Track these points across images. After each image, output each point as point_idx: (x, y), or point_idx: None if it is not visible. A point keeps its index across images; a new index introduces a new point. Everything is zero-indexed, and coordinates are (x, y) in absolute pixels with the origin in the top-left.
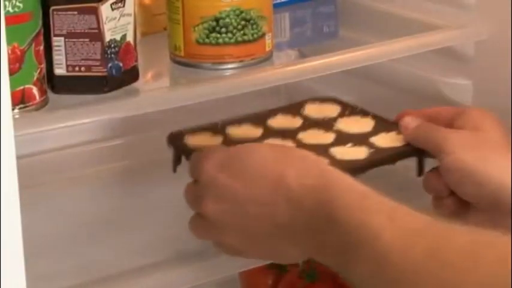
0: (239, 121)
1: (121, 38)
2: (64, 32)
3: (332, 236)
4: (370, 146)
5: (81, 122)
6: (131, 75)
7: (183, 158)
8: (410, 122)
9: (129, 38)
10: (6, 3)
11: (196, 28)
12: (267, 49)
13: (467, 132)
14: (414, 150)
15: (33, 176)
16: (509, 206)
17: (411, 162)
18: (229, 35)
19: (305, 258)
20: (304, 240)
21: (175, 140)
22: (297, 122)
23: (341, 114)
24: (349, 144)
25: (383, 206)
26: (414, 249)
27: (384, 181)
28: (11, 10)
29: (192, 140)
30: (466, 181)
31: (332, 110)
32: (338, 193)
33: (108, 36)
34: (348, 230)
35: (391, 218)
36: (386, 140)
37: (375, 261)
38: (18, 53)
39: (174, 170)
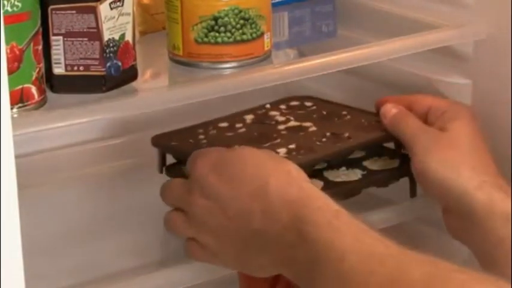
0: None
1: (120, 37)
2: (63, 31)
3: (301, 252)
4: (363, 169)
5: (79, 121)
6: (130, 74)
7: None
8: (389, 109)
9: (128, 37)
10: (5, 2)
11: (195, 27)
12: (266, 48)
13: (435, 132)
14: (406, 172)
15: (32, 176)
16: (473, 215)
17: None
18: (228, 34)
19: (273, 272)
20: (274, 252)
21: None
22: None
23: None
24: (343, 168)
25: (352, 227)
26: (374, 277)
27: None
28: (9, 9)
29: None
30: (429, 185)
31: None
32: (310, 211)
33: (106, 36)
34: (316, 248)
35: (358, 239)
36: (379, 164)
37: (339, 283)
38: (17, 52)
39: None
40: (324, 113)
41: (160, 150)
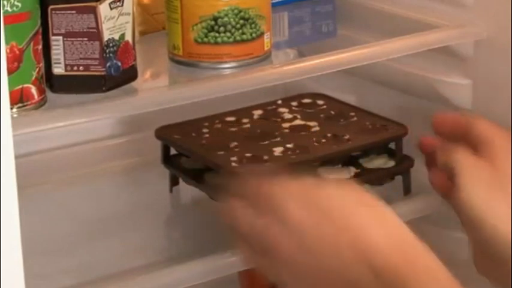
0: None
1: (119, 37)
2: (62, 31)
3: None
4: (358, 167)
5: (79, 121)
6: (130, 74)
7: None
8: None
9: (128, 37)
10: (5, 2)
11: (194, 27)
12: (266, 48)
13: (483, 163)
14: (401, 171)
15: (32, 176)
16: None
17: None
18: (228, 34)
19: None
20: None
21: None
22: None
23: None
24: (338, 165)
25: None
26: None
27: None
28: (9, 9)
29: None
30: (468, 220)
31: None
32: (421, 285)
33: (106, 36)
34: None
35: None
36: (375, 162)
37: None
38: (17, 52)
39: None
40: (332, 113)
41: (162, 142)
